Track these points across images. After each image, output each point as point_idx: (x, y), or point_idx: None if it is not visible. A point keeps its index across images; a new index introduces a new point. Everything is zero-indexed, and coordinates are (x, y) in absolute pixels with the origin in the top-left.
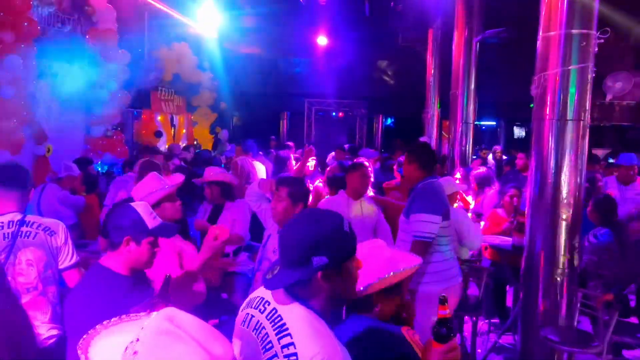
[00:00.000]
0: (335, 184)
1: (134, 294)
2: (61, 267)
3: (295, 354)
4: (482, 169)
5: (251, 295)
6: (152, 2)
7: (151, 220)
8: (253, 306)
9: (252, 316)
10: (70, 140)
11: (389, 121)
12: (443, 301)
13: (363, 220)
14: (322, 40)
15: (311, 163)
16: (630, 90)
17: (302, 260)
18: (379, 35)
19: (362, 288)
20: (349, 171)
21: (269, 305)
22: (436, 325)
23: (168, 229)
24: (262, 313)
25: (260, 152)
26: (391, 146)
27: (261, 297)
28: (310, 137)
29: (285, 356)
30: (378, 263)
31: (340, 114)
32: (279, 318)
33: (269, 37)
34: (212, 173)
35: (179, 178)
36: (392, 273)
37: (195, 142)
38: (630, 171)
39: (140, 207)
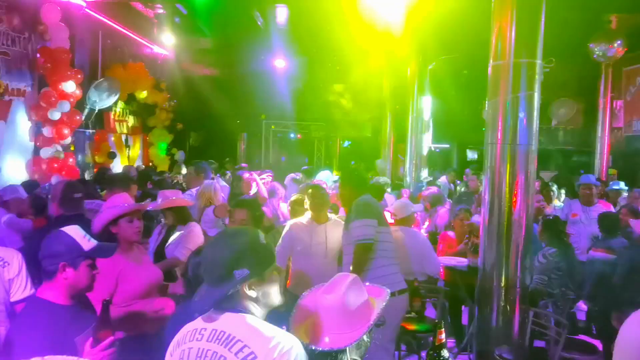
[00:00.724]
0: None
1: (77, 323)
2: (13, 299)
3: (252, 353)
4: (434, 189)
5: (178, 336)
6: (107, 22)
7: (86, 243)
8: (187, 341)
9: (190, 348)
10: (18, 161)
11: (347, 143)
12: (439, 327)
13: (326, 244)
14: (280, 63)
15: (267, 180)
16: (573, 116)
17: (226, 276)
18: (338, 58)
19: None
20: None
21: (205, 330)
22: (432, 350)
23: (104, 249)
24: (200, 340)
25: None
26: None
27: (193, 329)
28: (268, 159)
29: (243, 359)
30: (352, 320)
31: (299, 135)
32: (222, 333)
33: (227, 58)
34: (166, 199)
35: (146, 204)
36: (371, 323)
37: (150, 164)
38: (587, 190)
39: (72, 231)
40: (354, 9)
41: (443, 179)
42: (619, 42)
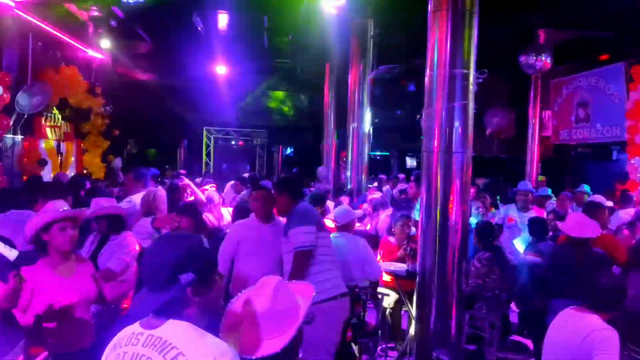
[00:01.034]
0: (244, 214)
1: (2, 342)
2: None
3: None
4: (377, 195)
5: (115, 339)
6: (38, 23)
7: (9, 252)
8: (123, 345)
9: (125, 352)
10: None
11: (289, 151)
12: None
13: (273, 244)
14: (221, 69)
15: (210, 191)
16: (506, 125)
17: (170, 280)
18: (279, 67)
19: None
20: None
21: (142, 335)
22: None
23: (29, 256)
24: (135, 345)
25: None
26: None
27: (131, 334)
28: (209, 166)
29: None
30: (279, 319)
31: (240, 142)
32: (158, 339)
33: (166, 63)
34: (99, 207)
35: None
36: (298, 324)
37: (85, 171)
38: (524, 197)
39: None
40: (294, 17)
41: (387, 187)
42: (546, 55)
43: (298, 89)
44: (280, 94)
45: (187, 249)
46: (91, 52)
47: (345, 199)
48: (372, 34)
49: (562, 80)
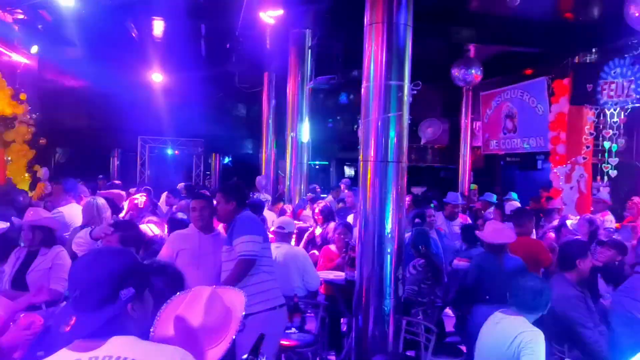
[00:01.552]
0: (178, 225)
1: None
2: None
3: None
4: (325, 204)
5: None
6: None
7: None
8: None
9: None
10: None
11: (227, 160)
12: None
13: (213, 255)
14: (157, 77)
15: (140, 200)
16: (440, 135)
17: (110, 297)
18: (217, 75)
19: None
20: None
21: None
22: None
23: None
24: None
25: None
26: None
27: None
28: (144, 176)
29: None
30: (214, 327)
31: (176, 152)
32: (108, 358)
33: (98, 70)
34: (37, 216)
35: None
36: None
37: (8, 181)
38: (455, 209)
39: None
40: (232, 26)
41: (330, 197)
42: (476, 69)
43: (237, 98)
44: (218, 102)
45: (125, 263)
46: (16, 57)
47: (289, 207)
48: (310, 44)
49: (491, 92)
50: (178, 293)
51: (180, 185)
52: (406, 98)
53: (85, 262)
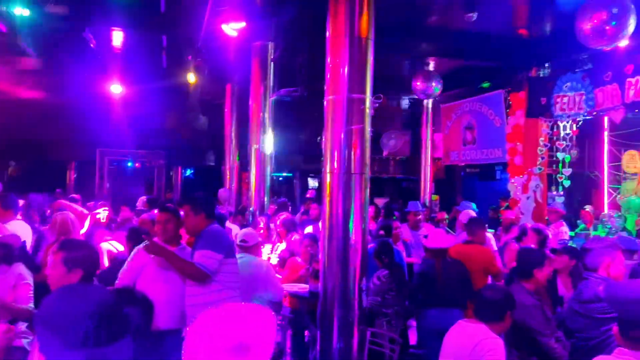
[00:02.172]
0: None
1: None
2: None
3: None
4: (287, 215)
5: None
6: None
7: None
8: None
9: None
10: None
11: (189, 172)
12: None
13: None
14: (116, 88)
15: (103, 214)
16: (401, 147)
17: (91, 334)
18: (178, 87)
19: None
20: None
21: None
22: None
23: None
24: None
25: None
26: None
27: None
28: (103, 189)
29: None
30: None
31: (137, 164)
32: None
33: (55, 81)
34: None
35: None
36: None
37: None
38: (417, 216)
39: None
40: (194, 37)
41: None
42: (436, 81)
43: (199, 109)
44: (180, 114)
45: (99, 304)
46: None
47: (263, 219)
48: (273, 56)
49: (451, 105)
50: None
51: (142, 198)
52: (368, 111)
53: (59, 298)
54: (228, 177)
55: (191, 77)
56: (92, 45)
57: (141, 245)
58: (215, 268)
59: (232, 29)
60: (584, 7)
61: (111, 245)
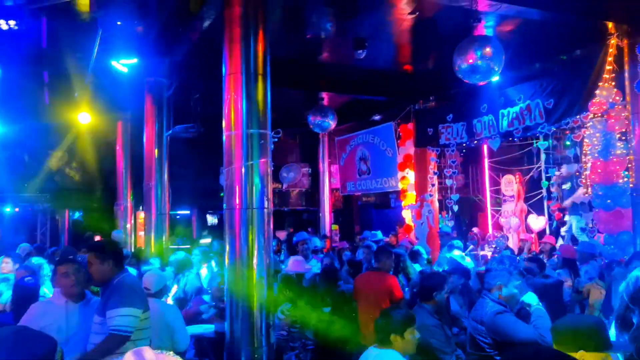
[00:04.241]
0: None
1: None
2: None
3: None
4: (181, 255)
5: None
6: None
7: None
8: None
9: None
10: None
11: (77, 215)
12: None
13: (85, 326)
14: None
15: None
16: (300, 179)
17: None
18: (64, 124)
19: None
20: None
21: None
22: None
23: None
24: None
25: None
26: (82, 241)
27: None
28: None
29: None
30: None
31: (16, 209)
32: None
33: None
34: None
35: None
36: None
37: None
38: (304, 245)
39: None
40: (81, 73)
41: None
42: (330, 115)
43: (87, 147)
44: (65, 153)
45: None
46: None
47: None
48: (167, 93)
49: (346, 138)
50: None
51: (24, 246)
52: (268, 145)
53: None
54: (122, 218)
55: (79, 114)
56: None
57: None
58: (134, 324)
59: (123, 65)
60: (460, 46)
61: None
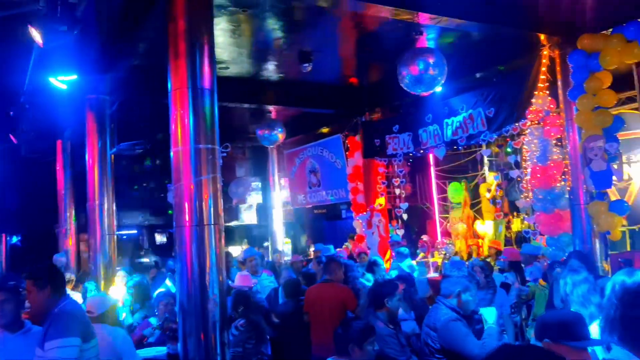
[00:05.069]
0: None
1: None
2: None
3: None
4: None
5: None
6: None
7: None
8: None
9: None
10: None
11: (15, 239)
12: None
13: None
14: None
15: None
16: (249, 194)
17: None
18: None
19: None
20: None
21: None
22: None
23: None
24: None
25: None
26: (21, 267)
27: None
28: None
29: None
30: None
31: None
32: None
33: None
34: None
35: None
36: None
37: None
38: (253, 261)
39: None
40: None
41: None
42: (279, 129)
43: (23, 170)
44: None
45: None
46: None
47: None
48: (110, 110)
49: (295, 151)
50: None
51: None
52: (217, 160)
53: None
54: (63, 241)
55: (14, 134)
56: None
57: None
58: (74, 356)
59: (61, 82)
60: (403, 58)
61: None
